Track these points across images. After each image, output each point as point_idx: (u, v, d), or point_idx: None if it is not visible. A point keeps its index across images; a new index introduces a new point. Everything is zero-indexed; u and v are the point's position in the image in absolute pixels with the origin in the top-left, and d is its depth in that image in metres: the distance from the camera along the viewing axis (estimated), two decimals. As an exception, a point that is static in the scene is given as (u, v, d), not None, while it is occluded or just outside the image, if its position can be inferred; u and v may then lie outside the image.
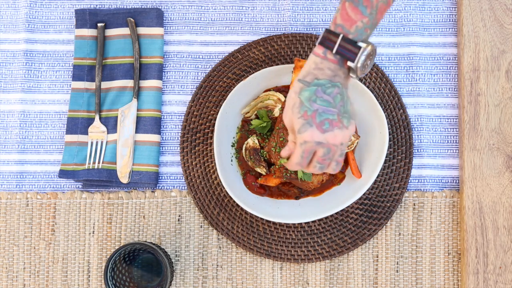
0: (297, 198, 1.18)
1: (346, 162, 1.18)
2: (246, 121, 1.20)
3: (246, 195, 1.16)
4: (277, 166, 1.14)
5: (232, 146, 1.19)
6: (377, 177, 1.19)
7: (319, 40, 0.93)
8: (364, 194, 1.18)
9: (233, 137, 1.19)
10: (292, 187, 1.18)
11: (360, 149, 1.18)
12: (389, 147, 1.19)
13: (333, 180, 1.18)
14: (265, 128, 1.17)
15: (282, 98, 1.16)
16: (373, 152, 1.16)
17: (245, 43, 1.24)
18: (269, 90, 1.19)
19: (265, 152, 1.16)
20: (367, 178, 1.15)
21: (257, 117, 1.19)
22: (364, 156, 1.17)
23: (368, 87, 1.21)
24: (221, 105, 1.20)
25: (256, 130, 1.18)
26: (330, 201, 1.16)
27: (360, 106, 1.17)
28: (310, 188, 1.15)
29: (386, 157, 1.19)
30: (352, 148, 1.15)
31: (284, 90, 1.19)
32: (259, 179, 1.17)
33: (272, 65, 1.21)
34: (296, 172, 1.13)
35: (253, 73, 1.20)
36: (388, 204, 1.18)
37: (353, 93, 1.16)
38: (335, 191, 1.17)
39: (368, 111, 1.16)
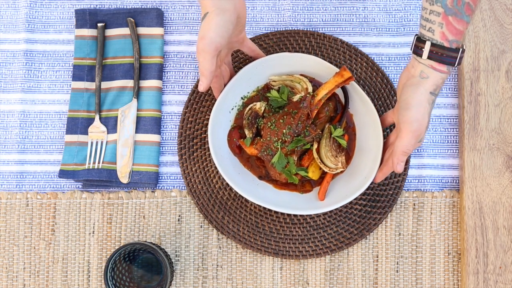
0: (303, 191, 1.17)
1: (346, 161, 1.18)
2: (268, 87, 1.19)
3: (244, 183, 1.15)
4: (262, 140, 1.13)
5: (242, 98, 1.18)
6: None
7: (441, 59, 0.99)
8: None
9: (235, 105, 1.18)
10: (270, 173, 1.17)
11: (360, 149, 1.18)
12: (389, 147, 1.19)
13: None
14: (278, 103, 1.16)
15: (310, 89, 1.15)
16: (371, 152, 1.16)
17: (245, 43, 1.24)
18: (305, 76, 1.18)
19: (262, 122, 1.15)
20: (369, 175, 1.14)
21: (278, 90, 1.18)
22: (364, 156, 1.17)
23: (368, 87, 1.20)
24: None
25: (270, 100, 1.17)
26: (332, 196, 1.15)
27: (358, 106, 1.16)
28: (280, 180, 1.14)
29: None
30: (334, 172, 1.14)
31: (311, 81, 1.18)
32: (242, 140, 1.16)
33: None
34: (271, 154, 1.12)
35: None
36: (391, 192, 1.18)
37: (352, 92, 1.16)
38: (335, 190, 1.17)
39: (363, 110, 1.16)
